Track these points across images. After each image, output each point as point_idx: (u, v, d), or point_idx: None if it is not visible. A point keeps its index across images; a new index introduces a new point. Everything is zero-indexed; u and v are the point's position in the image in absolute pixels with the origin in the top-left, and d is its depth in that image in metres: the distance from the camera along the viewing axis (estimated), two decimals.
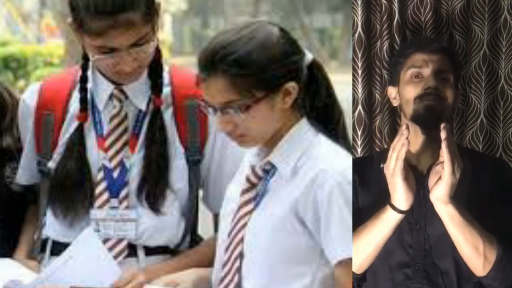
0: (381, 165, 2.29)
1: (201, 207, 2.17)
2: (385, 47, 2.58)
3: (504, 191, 2.23)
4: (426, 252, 2.18)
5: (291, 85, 1.78)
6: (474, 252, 2.09)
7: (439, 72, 2.25)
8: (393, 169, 2.02)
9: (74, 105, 2.10)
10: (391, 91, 2.36)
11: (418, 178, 2.17)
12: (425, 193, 2.13)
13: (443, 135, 2.01)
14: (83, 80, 2.09)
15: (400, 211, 2.05)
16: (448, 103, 2.25)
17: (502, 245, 2.11)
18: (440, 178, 2.02)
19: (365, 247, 2.10)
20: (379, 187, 2.18)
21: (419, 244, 2.19)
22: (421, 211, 2.18)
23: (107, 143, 2.07)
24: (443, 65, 2.26)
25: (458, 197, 2.07)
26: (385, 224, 2.08)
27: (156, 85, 2.09)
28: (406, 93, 2.27)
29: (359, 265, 2.12)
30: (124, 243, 2.04)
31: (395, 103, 2.36)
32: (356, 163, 2.18)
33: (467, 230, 2.07)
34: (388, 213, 2.06)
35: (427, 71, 2.25)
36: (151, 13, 1.96)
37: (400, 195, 2.03)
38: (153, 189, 2.04)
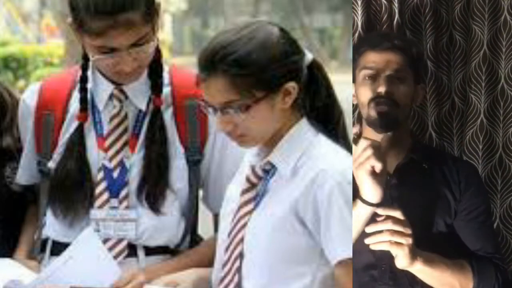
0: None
1: (201, 207, 2.17)
2: None
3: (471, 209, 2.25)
4: None
5: (291, 85, 1.78)
6: None
7: (393, 72, 2.20)
8: (359, 162, 1.98)
9: (74, 105, 2.10)
10: (354, 89, 2.30)
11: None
12: (392, 193, 2.12)
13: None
14: (83, 80, 2.09)
15: (371, 204, 2.02)
16: (404, 105, 2.21)
17: (475, 268, 2.14)
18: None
19: None
20: None
21: None
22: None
23: (107, 143, 2.07)
24: (396, 64, 2.21)
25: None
26: (358, 219, 2.03)
27: (156, 85, 2.09)
28: (360, 95, 2.24)
29: None
30: (124, 243, 2.04)
31: (354, 101, 2.32)
32: None
33: (439, 276, 2.10)
34: (358, 207, 2.02)
35: (379, 73, 2.21)
36: (151, 13, 1.96)
37: (368, 189, 2.00)
38: (153, 189, 2.04)
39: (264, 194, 1.83)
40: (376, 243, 2.03)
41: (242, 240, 1.82)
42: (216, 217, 2.12)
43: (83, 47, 2.03)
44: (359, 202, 2.02)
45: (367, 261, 2.16)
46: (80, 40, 1.99)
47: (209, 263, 1.97)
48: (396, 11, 2.56)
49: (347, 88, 2.39)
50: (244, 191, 1.85)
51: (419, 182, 2.23)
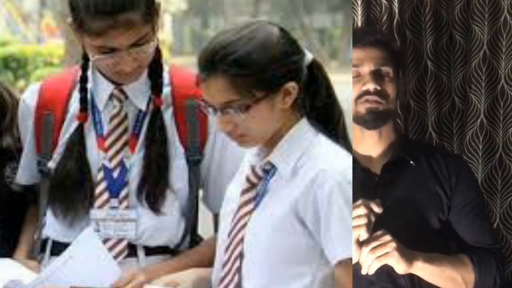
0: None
1: (201, 207, 2.17)
2: None
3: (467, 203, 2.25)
4: None
5: (291, 85, 1.78)
6: (454, 285, 2.12)
7: (377, 70, 2.21)
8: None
9: (74, 105, 2.10)
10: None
11: (371, 180, 2.17)
12: (381, 194, 2.11)
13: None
14: (83, 80, 2.09)
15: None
16: (391, 99, 2.22)
17: (475, 261, 2.14)
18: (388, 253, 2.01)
19: None
20: None
21: None
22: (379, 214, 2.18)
23: (107, 143, 2.07)
24: (380, 59, 2.22)
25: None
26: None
27: (156, 85, 2.09)
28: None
29: None
30: (124, 243, 2.04)
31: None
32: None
33: (440, 272, 2.10)
34: None
35: (364, 70, 2.21)
36: (151, 13, 1.96)
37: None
38: (153, 189, 2.04)
39: (264, 194, 1.83)
40: (369, 267, 2.02)
41: (242, 240, 1.82)
42: (216, 217, 2.11)
43: (83, 47, 2.03)
44: None
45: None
46: (80, 40, 1.99)
47: (209, 263, 1.97)
48: (396, 11, 2.57)
49: (347, 88, 2.39)
50: (244, 191, 1.85)
51: (408, 181, 2.23)
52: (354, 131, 2.26)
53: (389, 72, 2.23)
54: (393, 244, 2.00)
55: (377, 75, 2.20)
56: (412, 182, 2.23)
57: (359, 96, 2.21)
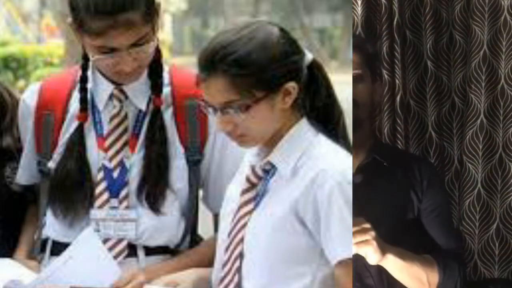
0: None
1: (201, 207, 2.17)
2: (385, 47, 2.58)
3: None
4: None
5: (291, 85, 1.78)
6: (418, 284, 2.14)
7: (359, 75, 2.23)
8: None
9: (74, 105, 2.10)
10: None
11: None
12: (356, 193, 2.13)
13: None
14: (83, 80, 2.09)
15: None
16: (364, 104, 2.24)
17: (441, 262, 2.15)
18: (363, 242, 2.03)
19: None
20: None
21: None
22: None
23: (107, 143, 2.07)
24: (353, 63, 2.24)
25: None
26: None
27: (156, 85, 2.09)
28: None
29: None
30: (124, 243, 2.04)
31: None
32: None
33: (408, 269, 2.11)
34: None
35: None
36: (151, 13, 1.96)
37: None
38: (153, 189, 2.04)
39: (264, 194, 1.83)
40: None
41: (242, 240, 1.82)
42: (216, 217, 2.11)
43: (83, 47, 2.03)
44: None
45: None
46: (80, 40, 1.99)
47: (209, 263, 1.97)
48: (396, 11, 2.57)
49: (347, 88, 2.39)
50: (244, 191, 1.85)
51: (382, 181, 2.26)
52: None
53: (362, 76, 2.25)
54: (372, 233, 2.02)
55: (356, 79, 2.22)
56: (385, 182, 2.27)
57: None
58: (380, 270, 2.14)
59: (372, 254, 2.04)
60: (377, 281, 2.18)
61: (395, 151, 2.44)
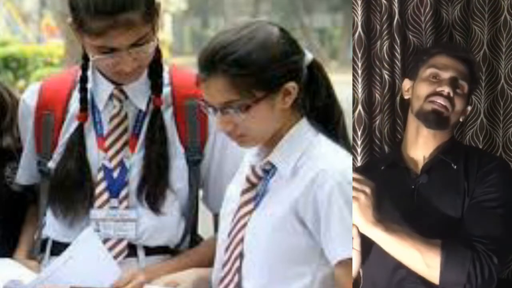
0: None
1: (201, 207, 2.17)
2: (385, 47, 2.58)
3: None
4: None
5: (291, 85, 1.78)
6: (415, 265, 2.11)
7: (456, 79, 2.30)
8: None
9: (74, 105, 2.10)
10: (406, 84, 2.41)
11: (410, 175, 2.25)
12: (419, 193, 2.14)
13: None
14: (83, 80, 2.09)
15: None
16: (456, 110, 2.30)
17: (445, 246, 2.11)
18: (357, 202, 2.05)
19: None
20: None
21: None
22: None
23: (107, 143, 2.07)
24: (462, 74, 2.31)
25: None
26: None
27: (156, 85, 2.09)
28: (419, 89, 2.32)
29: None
30: (124, 243, 2.04)
31: (406, 96, 2.40)
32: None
33: (399, 247, 2.09)
34: None
35: (445, 75, 2.30)
36: (151, 13, 1.96)
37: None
38: (153, 189, 2.04)
39: (264, 194, 1.83)
40: None
41: (242, 240, 1.82)
42: (216, 217, 2.12)
43: (83, 47, 2.03)
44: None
45: (396, 261, 2.15)
46: (80, 40, 1.99)
47: (209, 263, 1.97)
48: (396, 11, 2.57)
49: (347, 88, 2.40)
50: (244, 191, 1.85)
51: (447, 183, 2.26)
52: (410, 130, 2.36)
53: (464, 87, 2.32)
54: (367, 190, 2.03)
55: (454, 84, 2.29)
56: (450, 184, 2.26)
57: (430, 95, 2.29)
58: None
59: (362, 211, 2.04)
60: None
61: (463, 149, 2.37)
